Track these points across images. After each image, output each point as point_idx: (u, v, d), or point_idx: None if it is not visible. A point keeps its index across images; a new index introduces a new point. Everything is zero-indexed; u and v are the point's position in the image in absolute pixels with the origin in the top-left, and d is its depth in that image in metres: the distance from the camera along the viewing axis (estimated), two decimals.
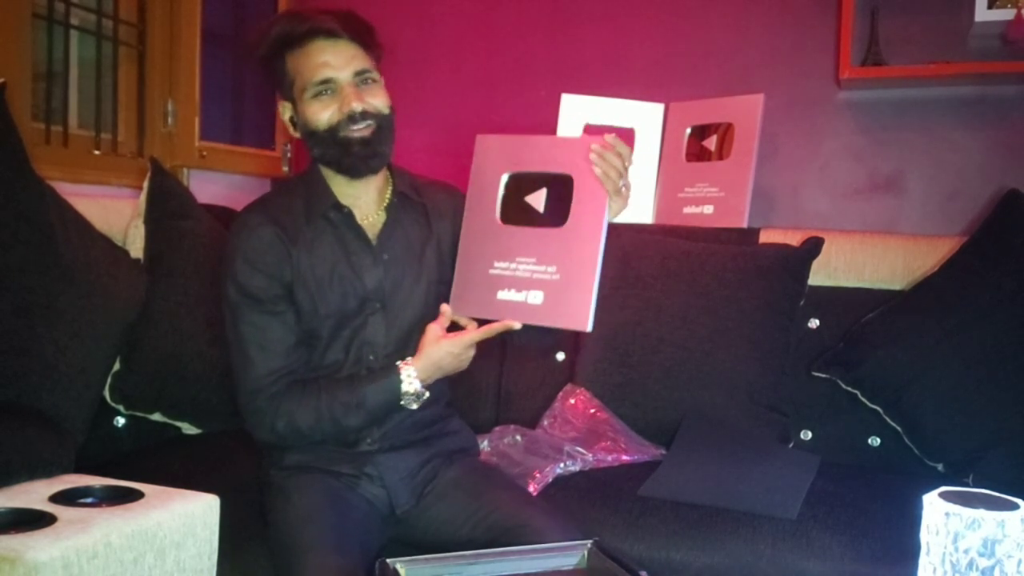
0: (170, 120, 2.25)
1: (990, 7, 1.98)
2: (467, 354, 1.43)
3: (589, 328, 1.35)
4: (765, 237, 2.00)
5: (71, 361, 1.49)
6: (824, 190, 2.26)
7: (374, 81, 1.44)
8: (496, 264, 1.41)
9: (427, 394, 1.42)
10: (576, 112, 2.25)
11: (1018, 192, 1.80)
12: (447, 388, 1.56)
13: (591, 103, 2.26)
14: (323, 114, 1.41)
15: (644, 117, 2.25)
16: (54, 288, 1.49)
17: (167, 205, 1.84)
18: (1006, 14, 1.95)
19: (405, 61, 2.55)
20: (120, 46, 2.17)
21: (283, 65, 1.43)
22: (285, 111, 1.49)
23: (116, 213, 1.81)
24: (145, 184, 1.84)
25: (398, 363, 1.42)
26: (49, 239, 1.50)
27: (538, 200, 1.41)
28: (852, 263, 1.94)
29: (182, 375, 1.72)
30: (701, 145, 2.20)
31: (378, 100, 1.43)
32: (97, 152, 2.10)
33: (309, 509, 1.36)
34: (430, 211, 1.53)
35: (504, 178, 1.44)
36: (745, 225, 2.07)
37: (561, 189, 1.39)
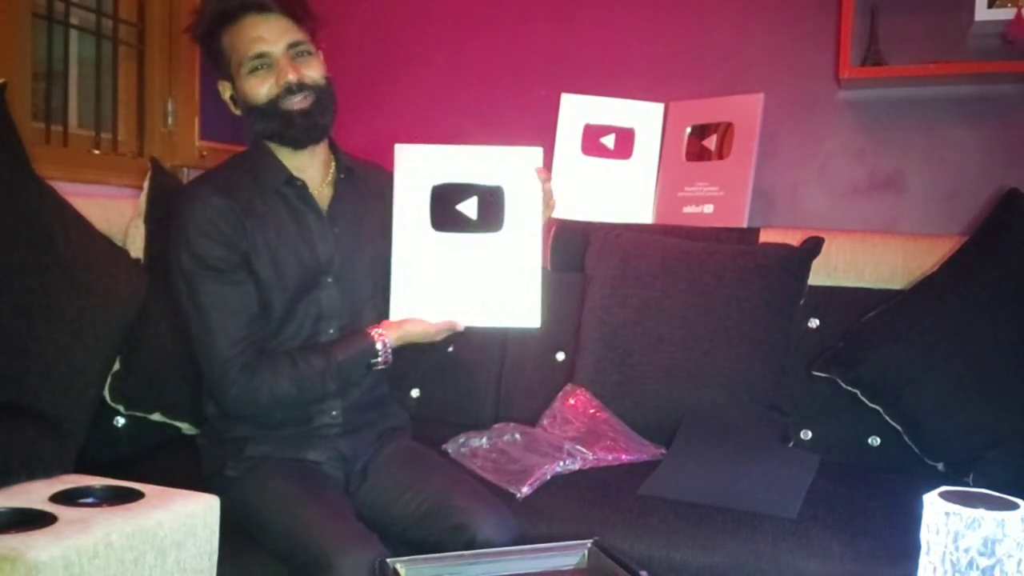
0: (170, 120, 2.25)
1: (990, 6, 1.97)
2: (439, 333, 1.48)
3: (539, 323, 1.42)
4: (765, 236, 2.00)
5: (71, 361, 1.49)
6: (824, 189, 2.26)
7: (309, 54, 1.47)
8: (436, 270, 1.46)
9: (390, 360, 1.46)
10: (576, 112, 2.25)
11: (1018, 191, 1.80)
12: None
13: (591, 103, 2.26)
14: (261, 88, 1.44)
15: (644, 117, 2.25)
16: (54, 288, 1.48)
17: (167, 205, 1.83)
18: (1006, 13, 1.95)
19: (404, 61, 2.55)
20: (120, 46, 2.17)
21: (220, 43, 1.46)
22: (225, 91, 1.51)
23: (116, 213, 1.81)
24: (145, 184, 1.84)
25: (367, 330, 1.46)
26: (49, 239, 1.50)
27: (470, 208, 1.47)
28: (852, 263, 1.94)
29: (182, 375, 1.72)
30: (701, 144, 2.20)
31: (314, 72, 1.46)
32: (97, 152, 2.10)
33: (294, 489, 1.38)
34: (372, 189, 1.58)
35: (430, 188, 1.49)
36: (745, 224, 2.07)
37: (488, 197, 1.47)
